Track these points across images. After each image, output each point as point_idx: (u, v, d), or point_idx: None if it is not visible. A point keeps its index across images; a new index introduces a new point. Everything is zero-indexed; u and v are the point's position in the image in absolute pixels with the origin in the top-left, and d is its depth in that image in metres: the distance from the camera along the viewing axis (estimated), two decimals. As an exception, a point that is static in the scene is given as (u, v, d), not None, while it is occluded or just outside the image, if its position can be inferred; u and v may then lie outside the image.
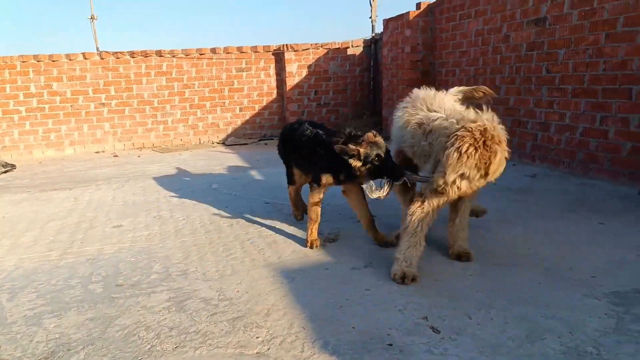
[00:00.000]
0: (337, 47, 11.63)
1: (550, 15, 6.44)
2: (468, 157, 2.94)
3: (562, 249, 3.72)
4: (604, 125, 5.88)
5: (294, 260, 3.78)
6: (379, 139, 3.58)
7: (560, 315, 2.74)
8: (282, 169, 4.69)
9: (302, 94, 11.63)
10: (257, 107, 11.68)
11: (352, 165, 3.55)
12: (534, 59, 6.82)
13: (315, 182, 3.97)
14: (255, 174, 7.34)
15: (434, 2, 9.09)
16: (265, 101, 11.73)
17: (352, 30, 33.98)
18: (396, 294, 3.10)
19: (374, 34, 11.65)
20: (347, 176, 3.75)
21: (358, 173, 3.59)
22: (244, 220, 4.87)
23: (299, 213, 4.68)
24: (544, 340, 2.51)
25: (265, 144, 10.84)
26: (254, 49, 11.33)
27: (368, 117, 12.05)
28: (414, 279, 3.22)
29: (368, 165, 3.52)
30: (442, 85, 8.91)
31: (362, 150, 3.50)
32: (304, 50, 11.38)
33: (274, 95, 11.76)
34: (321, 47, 11.52)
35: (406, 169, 3.58)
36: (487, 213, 4.23)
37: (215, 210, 5.29)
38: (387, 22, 10.20)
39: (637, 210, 4.54)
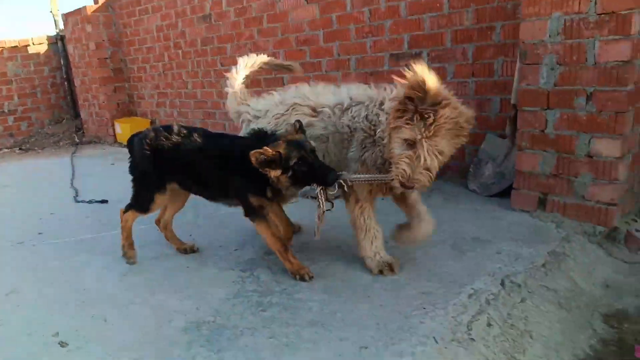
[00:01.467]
0: (14, 45, 10.14)
1: (214, 12, 6.90)
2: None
3: (205, 229, 4.05)
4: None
5: None
6: (299, 135, 2.83)
7: (191, 294, 2.97)
8: None
9: (-27, 102, 9.81)
10: None
11: (271, 176, 2.76)
12: (209, 53, 7.23)
13: (249, 210, 3.08)
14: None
15: (112, -4, 8.73)
16: None
17: (34, 26, 29.92)
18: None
19: (58, 30, 10.56)
20: (273, 192, 2.99)
21: (279, 185, 2.83)
22: None
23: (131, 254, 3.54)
24: (171, 322, 2.67)
25: None
26: None
27: (69, 121, 10.98)
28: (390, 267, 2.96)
29: (289, 173, 2.74)
30: (135, 81, 8.70)
31: (282, 152, 2.69)
32: (-36, 50, 9.57)
33: None
34: (-10, 45, 9.87)
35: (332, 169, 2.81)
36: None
37: None
38: (66, 17, 9.36)
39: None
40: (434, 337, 2.28)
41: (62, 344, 2.56)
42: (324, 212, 2.76)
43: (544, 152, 3.52)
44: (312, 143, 2.83)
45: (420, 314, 2.49)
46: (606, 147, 3.23)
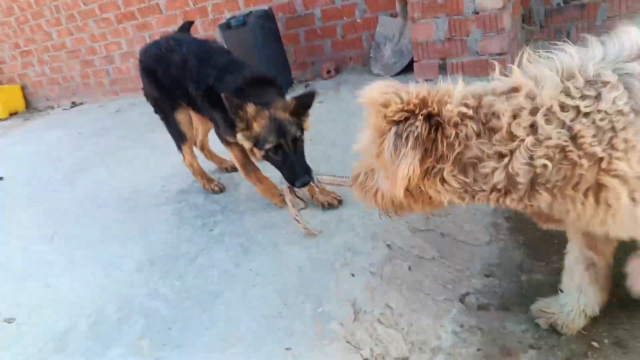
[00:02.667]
0: None
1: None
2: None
3: (137, 173, 3.89)
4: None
5: None
6: (286, 116, 2.32)
7: (132, 237, 2.89)
8: None
9: None
10: None
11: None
12: (66, -7, 6.42)
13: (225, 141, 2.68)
14: None
15: None
16: None
17: None
18: None
19: None
20: None
21: (251, 153, 2.50)
22: None
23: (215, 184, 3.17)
24: (122, 267, 2.60)
25: None
26: None
27: None
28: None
29: (262, 153, 2.38)
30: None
31: (255, 126, 2.30)
32: None
33: None
34: None
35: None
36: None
37: None
38: None
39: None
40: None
41: (9, 321, 2.43)
42: (295, 215, 2.36)
43: (436, 18, 3.65)
44: (302, 129, 2.39)
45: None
46: (489, 1, 3.40)
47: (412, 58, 4.00)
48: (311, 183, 2.33)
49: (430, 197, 1.41)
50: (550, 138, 1.17)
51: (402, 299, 1.97)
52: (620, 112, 1.13)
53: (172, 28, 5.77)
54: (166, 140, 4.28)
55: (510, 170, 1.23)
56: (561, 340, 1.77)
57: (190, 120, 3.03)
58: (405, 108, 1.28)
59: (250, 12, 4.73)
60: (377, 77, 4.49)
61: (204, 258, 2.47)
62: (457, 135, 1.25)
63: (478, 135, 1.24)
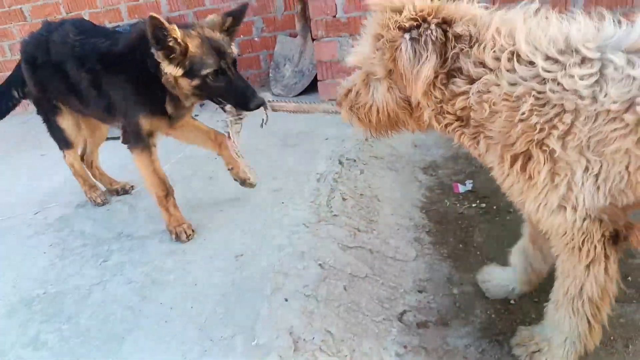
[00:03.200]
0: None
1: None
2: None
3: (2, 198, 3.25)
4: (15, 54, 5.42)
5: None
6: (219, 35, 2.08)
7: (2, 272, 2.35)
8: None
9: None
10: None
11: (167, 74, 2.01)
12: None
13: (134, 133, 2.24)
14: None
15: None
16: None
17: None
18: None
19: None
20: (175, 106, 2.21)
21: (176, 90, 2.10)
22: None
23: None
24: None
25: None
26: None
27: None
28: None
29: (196, 81, 2.02)
30: None
31: (189, 48, 1.97)
32: None
33: None
34: None
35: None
36: None
37: None
38: None
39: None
40: (303, 224, 2.26)
41: None
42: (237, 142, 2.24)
43: (340, 37, 3.66)
44: (235, 50, 2.17)
45: (280, 208, 2.44)
46: (391, 23, 3.51)
47: (315, 77, 3.95)
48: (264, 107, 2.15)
49: (420, 111, 1.43)
50: (499, 85, 1.20)
51: (341, 322, 1.81)
52: (576, 93, 1.12)
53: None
54: (38, 162, 3.70)
55: (470, 101, 1.27)
56: (503, 352, 1.76)
57: (78, 125, 2.62)
58: (419, 14, 1.29)
59: (138, 22, 4.33)
60: (278, 97, 4.37)
61: (99, 293, 2.06)
62: (454, 47, 1.28)
63: (466, 53, 1.27)
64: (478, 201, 2.66)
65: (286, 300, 1.84)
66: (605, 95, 1.09)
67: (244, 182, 2.53)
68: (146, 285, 2.06)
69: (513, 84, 1.18)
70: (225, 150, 2.45)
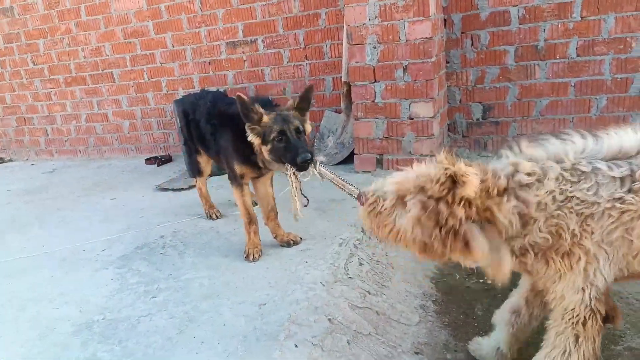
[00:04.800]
0: None
1: (17, 5, 6.16)
2: None
3: (75, 235, 3.82)
4: (101, 108, 6.28)
5: None
6: (289, 112, 2.70)
7: (68, 300, 2.83)
8: None
9: None
10: None
11: (252, 143, 2.69)
12: (16, 51, 6.44)
13: (232, 174, 3.05)
14: None
15: None
16: None
17: None
18: None
19: None
20: (263, 163, 2.86)
21: (261, 155, 2.75)
22: None
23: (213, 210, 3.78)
24: (55, 330, 2.54)
25: None
26: None
27: None
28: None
29: (269, 147, 2.65)
30: None
31: (264, 120, 2.62)
32: None
33: None
34: None
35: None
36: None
37: None
38: None
39: (141, 180, 5.15)
40: (320, 282, 2.62)
41: None
42: (295, 195, 2.67)
43: (376, 119, 4.13)
44: (307, 125, 2.73)
45: (304, 267, 2.82)
46: (422, 109, 3.94)
47: (353, 150, 4.41)
48: (312, 168, 2.54)
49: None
50: (553, 217, 1.55)
51: (341, 371, 2.11)
52: (587, 202, 1.51)
53: (122, 96, 5.97)
54: (108, 206, 4.33)
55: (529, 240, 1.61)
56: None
57: (208, 161, 3.62)
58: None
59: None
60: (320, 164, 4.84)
61: (145, 325, 2.48)
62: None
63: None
64: (485, 277, 2.92)
65: (296, 346, 2.18)
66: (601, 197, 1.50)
67: (288, 244, 3.12)
68: (184, 321, 2.46)
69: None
70: (270, 223, 3.11)
